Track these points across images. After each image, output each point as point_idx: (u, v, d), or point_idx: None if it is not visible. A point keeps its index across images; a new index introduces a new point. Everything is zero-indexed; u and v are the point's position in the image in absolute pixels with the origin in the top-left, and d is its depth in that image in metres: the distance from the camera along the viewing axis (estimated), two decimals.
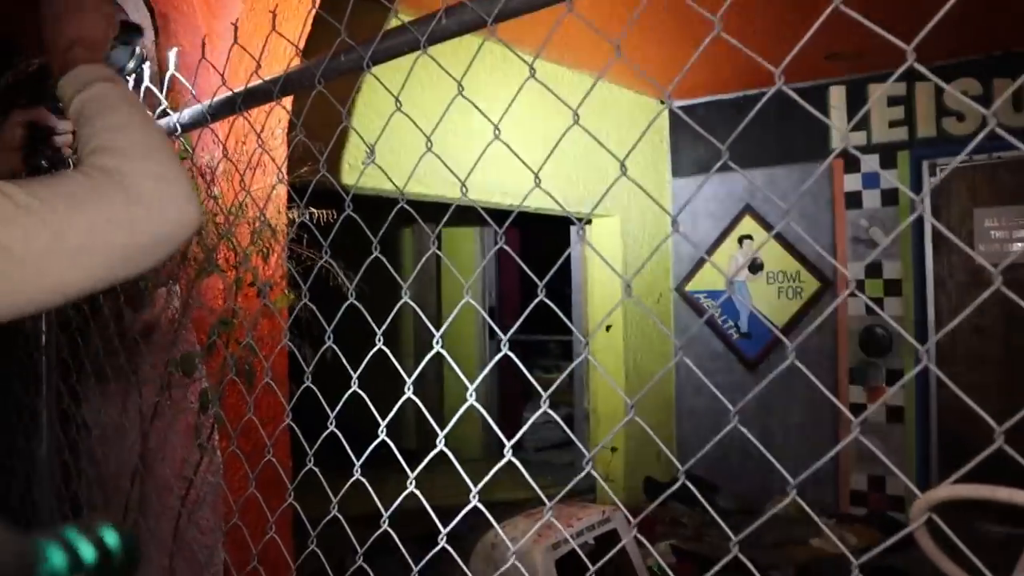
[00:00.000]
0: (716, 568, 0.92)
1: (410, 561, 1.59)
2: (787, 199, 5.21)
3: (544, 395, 1.23)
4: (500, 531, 1.57)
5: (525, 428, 1.45)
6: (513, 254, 1.32)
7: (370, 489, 1.53)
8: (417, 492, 1.44)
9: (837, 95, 5.22)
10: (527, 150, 1.26)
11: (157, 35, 2.72)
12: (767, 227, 5.61)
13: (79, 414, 2.58)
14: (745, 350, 5.82)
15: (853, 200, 5.33)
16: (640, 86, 5.06)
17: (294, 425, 1.81)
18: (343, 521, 1.60)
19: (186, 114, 1.69)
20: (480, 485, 1.33)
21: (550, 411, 1.28)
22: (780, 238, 5.59)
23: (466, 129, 3.43)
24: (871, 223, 5.33)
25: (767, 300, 5.77)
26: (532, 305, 1.23)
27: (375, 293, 1.64)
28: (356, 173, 1.64)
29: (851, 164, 5.26)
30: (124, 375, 2.52)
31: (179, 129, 1.72)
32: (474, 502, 1.34)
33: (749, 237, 5.72)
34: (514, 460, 1.21)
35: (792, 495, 0.86)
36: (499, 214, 4.51)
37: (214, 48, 2.31)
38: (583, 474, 1.26)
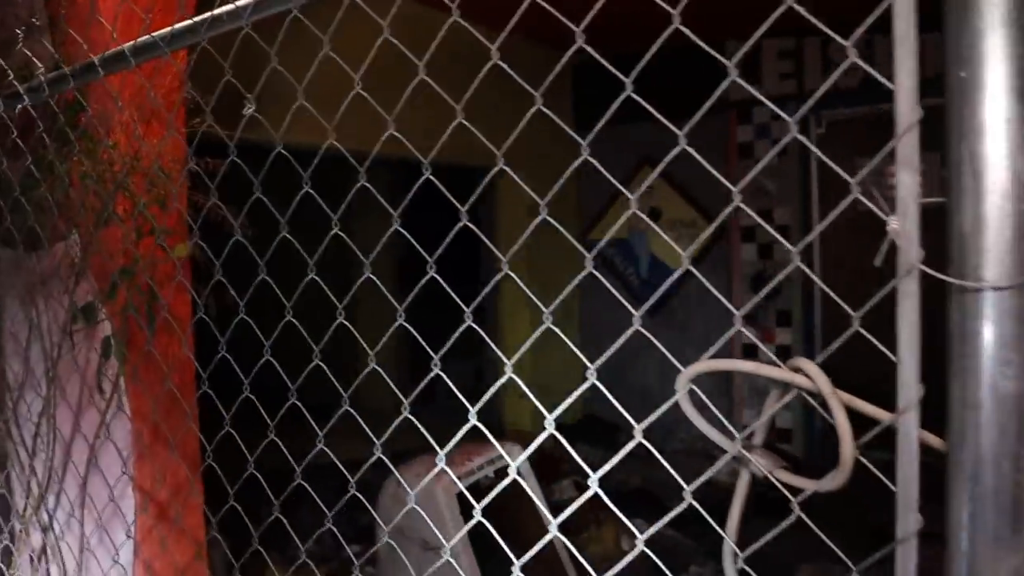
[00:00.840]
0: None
1: (324, 508, 1.66)
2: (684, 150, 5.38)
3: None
4: (397, 474, 1.66)
5: (423, 384, 1.53)
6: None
7: (280, 445, 1.59)
8: (326, 449, 1.51)
9: (733, 50, 5.39)
10: (432, 101, 1.32)
11: None
12: (666, 177, 5.79)
13: None
14: (644, 295, 6.03)
15: (746, 150, 5.56)
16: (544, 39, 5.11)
17: (198, 365, 1.83)
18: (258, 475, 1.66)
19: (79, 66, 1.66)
20: (384, 438, 1.41)
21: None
22: (676, 187, 5.79)
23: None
24: (762, 173, 5.57)
25: (667, 247, 5.97)
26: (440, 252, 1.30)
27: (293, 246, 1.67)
28: (257, 125, 1.63)
29: (744, 116, 5.47)
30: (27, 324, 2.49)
31: (71, 81, 1.69)
32: (377, 454, 1.42)
33: (648, 187, 5.90)
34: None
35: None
36: (412, 165, 4.50)
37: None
38: (469, 425, 1.35)
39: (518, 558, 1.24)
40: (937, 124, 0.67)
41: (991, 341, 0.62)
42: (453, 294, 1.41)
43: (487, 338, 1.33)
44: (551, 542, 3.69)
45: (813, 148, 0.86)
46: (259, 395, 1.65)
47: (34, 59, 2.15)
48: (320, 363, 1.52)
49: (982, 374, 0.62)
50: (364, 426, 1.48)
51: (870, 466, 0.73)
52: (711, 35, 1.04)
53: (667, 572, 1.04)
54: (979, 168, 0.61)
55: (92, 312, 2.29)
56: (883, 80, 0.72)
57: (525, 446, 1.93)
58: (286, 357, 1.63)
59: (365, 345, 1.50)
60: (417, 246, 1.45)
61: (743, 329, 0.86)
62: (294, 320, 1.53)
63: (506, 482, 1.61)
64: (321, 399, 1.63)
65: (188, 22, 1.37)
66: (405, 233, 1.40)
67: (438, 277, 1.30)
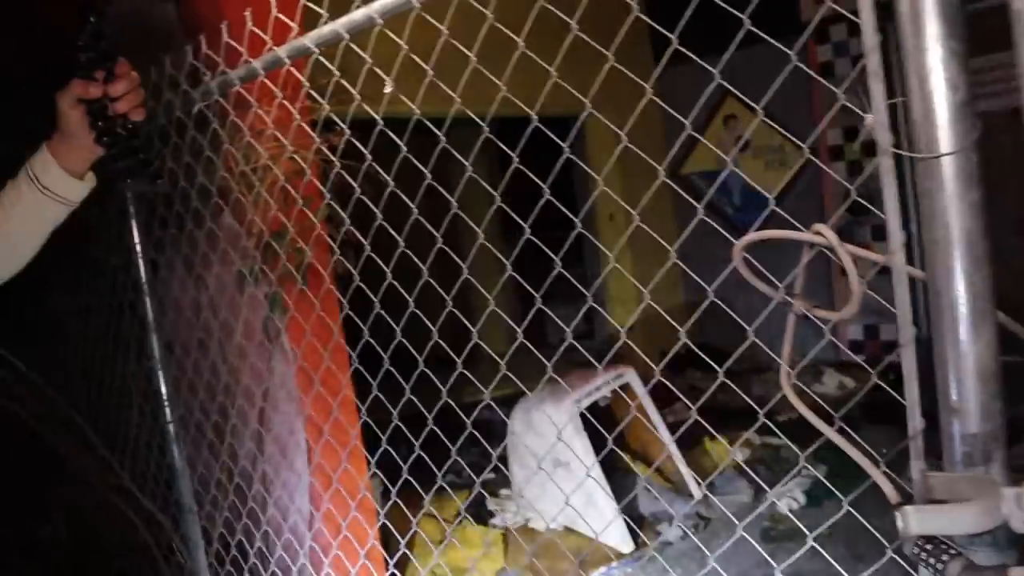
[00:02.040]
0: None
1: (448, 445, 2.00)
2: (765, 76, 5.50)
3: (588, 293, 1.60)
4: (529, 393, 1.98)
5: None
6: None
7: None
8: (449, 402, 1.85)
9: None
10: (500, 62, 1.57)
11: None
12: (748, 106, 5.90)
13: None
14: (741, 224, 6.19)
15: (827, 70, 5.61)
16: None
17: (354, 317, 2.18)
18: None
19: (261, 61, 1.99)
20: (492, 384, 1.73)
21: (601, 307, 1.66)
22: (762, 118, 5.90)
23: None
24: (848, 90, 5.61)
25: (756, 174, 6.11)
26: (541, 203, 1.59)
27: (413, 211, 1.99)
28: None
29: (821, 36, 5.52)
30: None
31: (237, 82, 2.06)
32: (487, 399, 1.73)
33: (733, 116, 6.03)
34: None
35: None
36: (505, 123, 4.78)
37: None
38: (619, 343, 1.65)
39: (636, 459, 1.51)
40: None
41: (947, 190, 0.88)
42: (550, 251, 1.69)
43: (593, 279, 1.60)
44: (668, 455, 4.01)
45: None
46: (387, 347, 2.00)
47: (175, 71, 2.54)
48: (454, 310, 1.84)
49: (940, 216, 0.89)
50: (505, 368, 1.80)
51: (877, 297, 1.00)
52: None
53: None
54: (924, 76, 0.87)
55: (255, 273, 2.71)
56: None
57: (637, 370, 2.21)
58: (400, 312, 1.97)
59: (484, 292, 1.80)
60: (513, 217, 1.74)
61: (741, 264, 1.11)
62: (429, 279, 1.83)
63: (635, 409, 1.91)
64: (437, 350, 1.95)
65: (332, 26, 1.70)
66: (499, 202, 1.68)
67: (534, 239, 1.58)
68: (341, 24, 1.63)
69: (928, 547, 0.81)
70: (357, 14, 1.58)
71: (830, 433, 1.00)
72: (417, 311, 1.90)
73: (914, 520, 0.81)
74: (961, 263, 0.90)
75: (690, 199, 1.56)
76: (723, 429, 4.62)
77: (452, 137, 1.76)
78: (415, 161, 1.82)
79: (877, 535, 1.24)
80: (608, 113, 1.83)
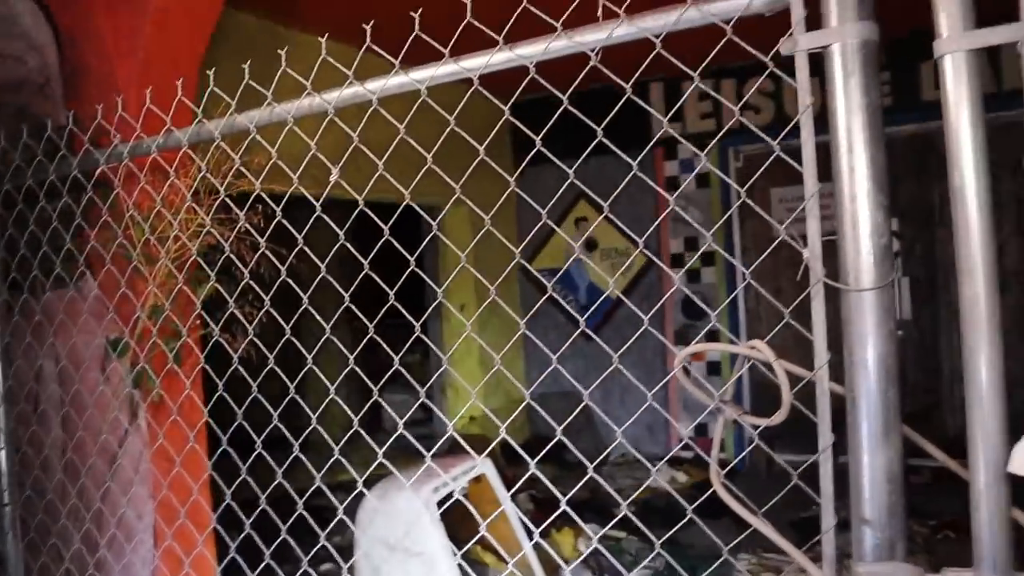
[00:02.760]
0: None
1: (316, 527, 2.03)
2: (615, 183, 5.89)
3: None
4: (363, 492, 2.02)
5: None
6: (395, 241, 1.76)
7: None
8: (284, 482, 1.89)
9: (656, 91, 5.95)
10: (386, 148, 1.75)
11: (61, 52, 2.91)
12: (599, 210, 6.28)
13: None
14: (585, 321, 6.49)
15: (671, 184, 6.10)
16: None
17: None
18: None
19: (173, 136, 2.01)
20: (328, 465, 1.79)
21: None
22: (610, 219, 6.28)
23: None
24: (687, 203, 6.11)
25: (601, 275, 6.46)
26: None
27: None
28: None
29: (670, 152, 6.02)
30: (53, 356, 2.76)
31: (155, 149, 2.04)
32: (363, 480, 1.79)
33: (584, 219, 6.39)
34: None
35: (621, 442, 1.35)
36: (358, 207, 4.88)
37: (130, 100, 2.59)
38: (447, 435, 1.74)
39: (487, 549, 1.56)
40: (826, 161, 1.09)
41: (868, 320, 1.04)
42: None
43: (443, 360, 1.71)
44: (519, 546, 4.02)
45: (732, 183, 1.28)
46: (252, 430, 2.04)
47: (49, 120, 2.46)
48: (296, 396, 1.91)
49: (860, 340, 1.04)
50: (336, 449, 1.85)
51: (801, 407, 1.15)
52: (632, 75, 1.40)
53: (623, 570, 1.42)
54: (856, 220, 1.04)
55: (123, 346, 2.59)
56: (793, 164, 1.15)
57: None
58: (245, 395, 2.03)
59: (326, 381, 1.89)
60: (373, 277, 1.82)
61: (691, 370, 1.26)
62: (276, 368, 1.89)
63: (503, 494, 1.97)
64: (273, 432, 2.01)
65: (242, 118, 1.75)
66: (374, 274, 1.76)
67: (372, 331, 1.67)
68: (248, 117, 1.71)
69: None
70: (266, 112, 1.66)
71: (756, 523, 1.12)
72: (296, 396, 1.95)
73: None
74: (877, 381, 1.05)
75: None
76: (564, 522, 4.76)
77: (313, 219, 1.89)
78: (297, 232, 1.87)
79: None
80: (467, 208, 1.99)
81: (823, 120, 1.08)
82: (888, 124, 1.05)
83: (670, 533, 1.52)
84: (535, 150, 1.47)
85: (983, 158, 0.98)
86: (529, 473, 1.72)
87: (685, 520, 1.41)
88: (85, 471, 2.81)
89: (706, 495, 1.44)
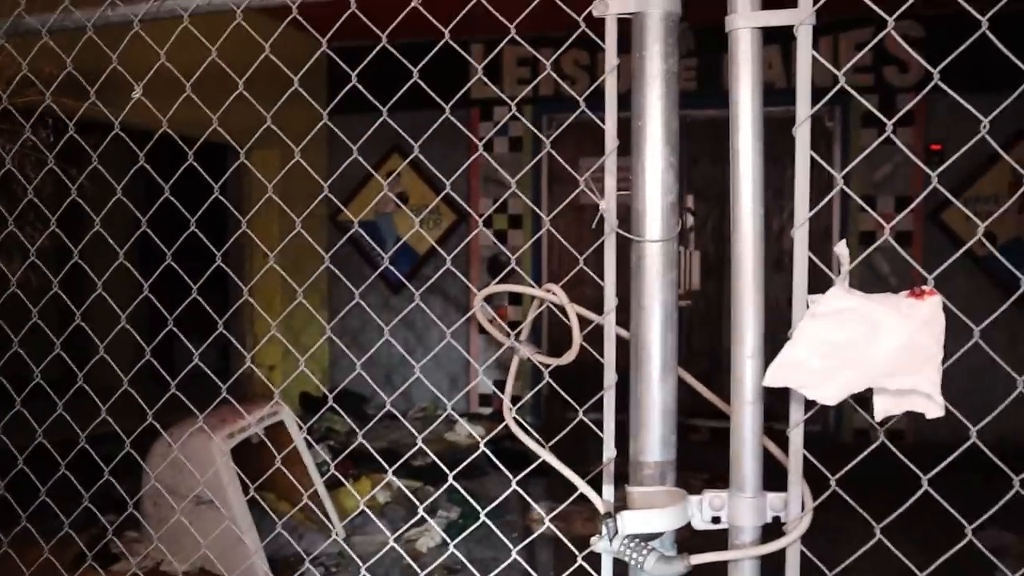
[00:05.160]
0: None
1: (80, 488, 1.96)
2: (431, 139, 5.91)
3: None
4: (165, 434, 1.99)
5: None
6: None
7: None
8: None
9: (477, 52, 6.00)
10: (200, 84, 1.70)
11: None
12: (411, 164, 6.28)
13: None
14: (390, 274, 6.49)
15: (486, 145, 6.19)
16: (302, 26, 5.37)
17: None
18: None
19: None
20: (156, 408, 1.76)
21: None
22: (422, 175, 6.30)
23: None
24: (499, 165, 6.23)
25: (411, 229, 6.48)
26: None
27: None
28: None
29: (486, 114, 6.10)
30: None
31: None
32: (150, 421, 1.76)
33: (397, 173, 6.36)
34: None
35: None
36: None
37: None
38: (235, 376, 1.74)
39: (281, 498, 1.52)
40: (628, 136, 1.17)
41: (653, 269, 1.14)
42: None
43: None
44: (316, 493, 4.04)
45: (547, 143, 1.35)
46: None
47: None
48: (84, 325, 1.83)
49: (647, 288, 1.14)
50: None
51: (590, 348, 1.24)
52: (457, 34, 1.43)
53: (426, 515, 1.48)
54: (645, 176, 1.13)
55: None
56: (596, 120, 1.22)
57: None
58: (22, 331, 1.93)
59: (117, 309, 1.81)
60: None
61: (489, 309, 1.33)
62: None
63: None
64: (55, 374, 1.93)
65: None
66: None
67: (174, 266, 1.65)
68: (40, 19, 1.60)
69: (631, 545, 1.03)
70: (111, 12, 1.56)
71: (544, 453, 1.20)
72: (84, 325, 1.85)
73: (630, 521, 1.03)
74: (659, 326, 1.16)
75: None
76: (363, 471, 4.79)
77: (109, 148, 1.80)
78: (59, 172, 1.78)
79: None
80: (277, 151, 1.99)
81: (628, 99, 1.15)
82: (690, 107, 1.15)
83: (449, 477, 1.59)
84: (349, 86, 1.47)
85: (759, 129, 1.09)
86: (312, 421, 1.73)
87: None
88: None
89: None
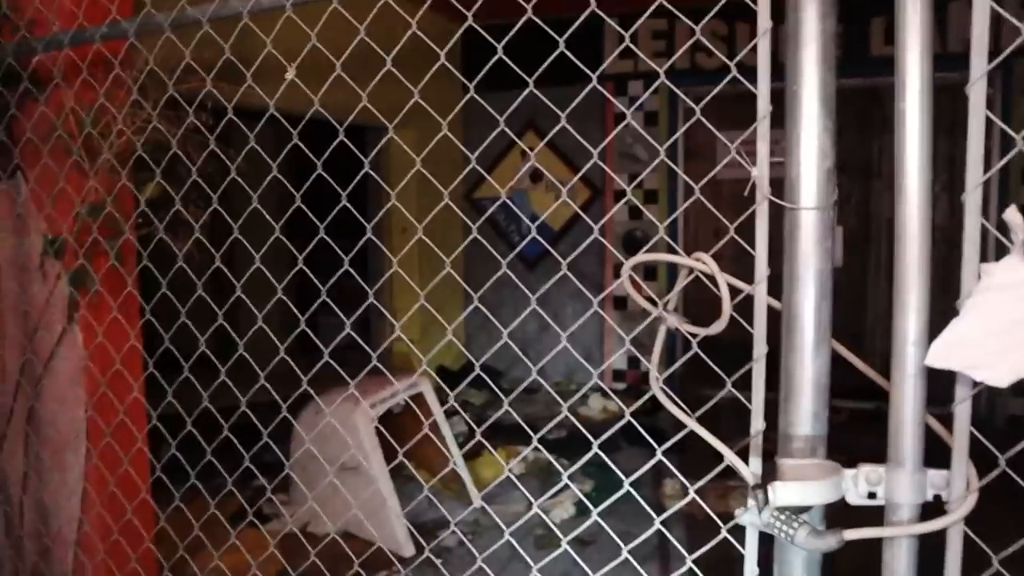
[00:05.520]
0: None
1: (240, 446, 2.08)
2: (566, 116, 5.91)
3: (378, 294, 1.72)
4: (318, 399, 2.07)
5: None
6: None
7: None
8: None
9: (611, 31, 5.95)
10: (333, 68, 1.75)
11: None
12: (547, 142, 6.30)
13: None
14: (526, 251, 6.55)
15: (621, 120, 6.13)
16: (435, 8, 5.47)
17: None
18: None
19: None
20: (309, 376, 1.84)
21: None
22: (557, 151, 6.30)
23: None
24: (635, 140, 6.16)
25: (545, 206, 6.50)
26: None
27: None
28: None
29: (620, 88, 6.03)
30: None
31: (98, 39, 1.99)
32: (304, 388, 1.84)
33: (531, 150, 6.40)
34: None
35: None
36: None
37: None
38: (387, 343, 1.77)
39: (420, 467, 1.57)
40: (779, 106, 1.14)
41: (808, 238, 1.11)
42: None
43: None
44: (453, 463, 4.16)
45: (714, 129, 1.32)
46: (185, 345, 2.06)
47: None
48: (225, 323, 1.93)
49: (801, 257, 1.11)
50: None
51: (739, 318, 1.22)
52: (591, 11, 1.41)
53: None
54: (800, 141, 1.09)
55: (60, 244, 2.55)
56: (747, 84, 1.19)
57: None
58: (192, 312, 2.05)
59: (275, 281, 1.91)
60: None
61: (638, 279, 1.31)
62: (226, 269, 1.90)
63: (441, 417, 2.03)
64: (209, 345, 2.04)
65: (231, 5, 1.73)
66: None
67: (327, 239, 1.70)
68: (200, 10, 1.69)
69: (782, 518, 1.01)
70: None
71: (691, 423, 1.19)
72: (244, 297, 1.96)
73: (781, 493, 1.01)
74: (813, 295, 1.12)
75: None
76: (500, 443, 4.89)
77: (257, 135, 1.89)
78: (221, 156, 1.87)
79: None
80: (413, 131, 2.03)
81: (775, 67, 1.12)
82: (837, 76, 1.10)
83: (584, 458, 1.59)
84: (494, 59, 1.49)
85: (928, 92, 1.03)
86: (451, 395, 1.78)
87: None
88: (19, 370, 2.78)
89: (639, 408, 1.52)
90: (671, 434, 1.38)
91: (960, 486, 1.04)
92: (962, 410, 1.04)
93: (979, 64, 0.96)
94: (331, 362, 1.75)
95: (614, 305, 6.21)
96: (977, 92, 0.97)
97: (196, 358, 2.07)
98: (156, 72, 2.15)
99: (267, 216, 2.02)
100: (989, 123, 0.95)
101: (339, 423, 3.78)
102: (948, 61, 0.96)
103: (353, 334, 1.79)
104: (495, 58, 1.52)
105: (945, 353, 0.97)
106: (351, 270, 1.74)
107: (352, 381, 1.87)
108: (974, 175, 0.99)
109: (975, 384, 1.02)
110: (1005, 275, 0.94)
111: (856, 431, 1.33)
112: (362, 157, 1.72)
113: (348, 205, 1.72)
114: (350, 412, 3.74)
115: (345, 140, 1.68)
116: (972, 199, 1.00)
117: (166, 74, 2.14)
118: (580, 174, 6.18)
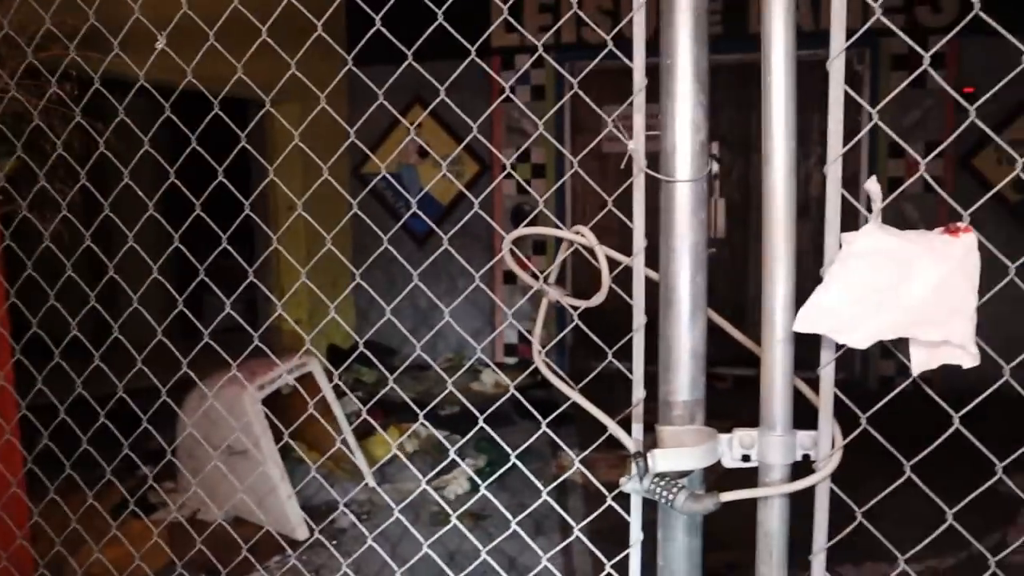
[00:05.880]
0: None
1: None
2: (451, 90, 5.85)
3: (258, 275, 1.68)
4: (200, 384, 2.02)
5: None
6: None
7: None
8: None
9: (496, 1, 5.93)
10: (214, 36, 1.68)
11: None
12: (434, 116, 6.24)
13: None
14: (415, 227, 6.49)
15: (507, 96, 6.13)
16: None
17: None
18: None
19: None
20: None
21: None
22: (445, 126, 6.26)
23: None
24: (521, 115, 6.17)
25: (435, 182, 6.46)
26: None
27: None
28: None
29: (507, 63, 6.03)
30: None
31: None
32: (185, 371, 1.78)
33: (419, 125, 6.33)
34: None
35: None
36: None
37: None
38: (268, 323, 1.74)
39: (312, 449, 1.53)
40: (654, 82, 1.16)
41: (683, 210, 1.13)
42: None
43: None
44: (344, 442, 4.10)
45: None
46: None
47: None
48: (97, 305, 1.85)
49: (677, 229, 1.13)
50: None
51: (618, 290, 1.24)
52: None
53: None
54: (675, 115, 1.11)
55: None
56: (623, 59, 1.21)
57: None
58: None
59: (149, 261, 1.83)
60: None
61: (518, 253, 1.32)
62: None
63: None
64: (83, 329, 1.96)
65: None
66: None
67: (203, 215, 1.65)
68: None
69: (661, 484, 1.04)
70: None
71: (574, 394, 1.21)
72: (117, 278, 1.87)
73: (661, 460, 1.04)
74: (688, 267, 1.15)
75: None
76: (391, 421, 4.86)
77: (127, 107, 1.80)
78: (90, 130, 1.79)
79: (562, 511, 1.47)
80: (297, 105, 1.97)
81: (653, 46, 1.13)
82: (716, 52, 1.12)
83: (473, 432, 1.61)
84: (373, 30, 1.46)
85: (791, 67, 1.06)
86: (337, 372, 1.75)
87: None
88: None
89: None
90: (566, 407, 1.40)
91: (826, 446, 1.10)
92: (827, 373, 1.09)
93: (838, 41, 1.00)
94: (212, 343, 1.69)
95: (504, 279, 6.24)
96: (836, 68, 1.01)
97: (79, 344, 1.96)
98: (13, 38, 2.02)
99: (140, 194, 1.92)
100: (864, 96, 0.98)
101: (226, 406, 3.68)
102: (822, 38, 0.99)
103: (234, 314, 1.73)
104: (373, 30, 1.48)
105: (811, 318, 1.01)
106: (230, 248, 1.68)
107: (234, 363, 1.81)
108: (834, 148, 1.03)
109: (839, 347, 1.07)
110: (864, 242, 0.99)
111: (740, 397, 1.39)
112: (239, 132, 1.66)
113: (225, 181, 1.65)
114: (237, 395, 3.63)
115: (220, 113, 1.61)
116: (833, 170, 1.04)
117: (24, 40, 2.00)
118: (461, 147, 6.16)
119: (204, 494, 3.80)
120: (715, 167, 6.02)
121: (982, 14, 1.05)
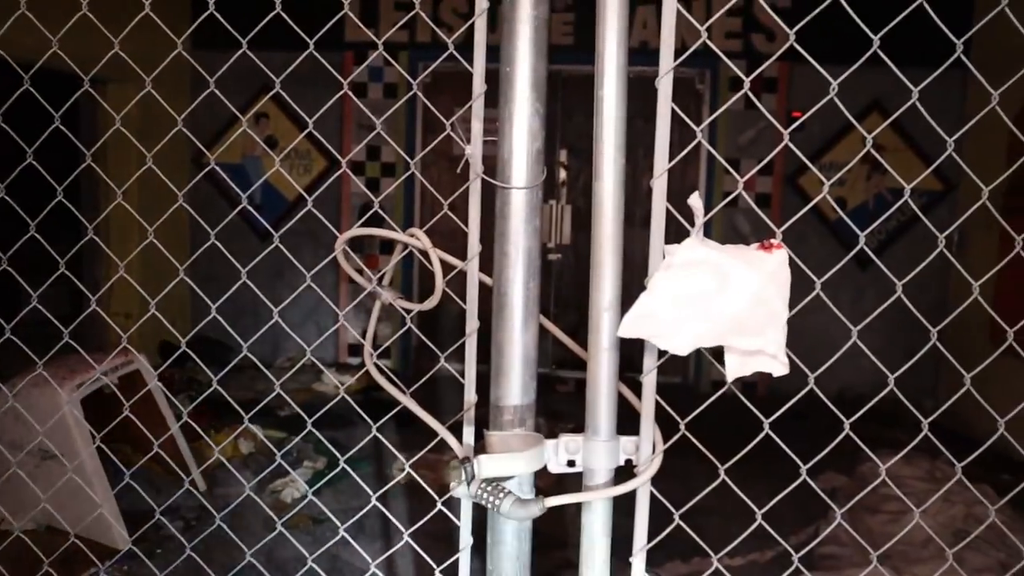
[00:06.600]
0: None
1: None
2: (304, 83, 5.70)
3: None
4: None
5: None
6: None
7: None
8: None
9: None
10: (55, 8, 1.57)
11: None
12: (281, 107, 6.06)
13: None
14: (257, 221, 6.27)
15: (360, 90, 6.03)
16: None
17: None
18: None
19: None
20: None
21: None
22: (292, 118, 6.09)
23: None
24: (373, 111, 6.09)
25: (280, 175, 6.27)
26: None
27: None
28: None
29: (360, 57, 5.93)
30: None
31: None
32: None
33: (265, 115, 6.13)
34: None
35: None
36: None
37: None
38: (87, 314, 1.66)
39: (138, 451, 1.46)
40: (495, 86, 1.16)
41: (517, 216, 1.14)
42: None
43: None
44: (176, 443, 3.90)
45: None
46: None
47: None
48: None
49: (511, 235, 1.14)
50: None
51: (452, 294, 1.23)
52: None
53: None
54: (512, 123, 1.12)
55: None
56: (464, 63, 1.21)
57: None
58: None
59: None
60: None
61: (352, 254, 1.30)
62: None
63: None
64: None
65: None
66: None
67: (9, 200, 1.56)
68: None
69: (488, 489, 1.04)
70: None
71: (404, 399, 1.20)
72: None
73: (486, 466, 1.04)
74: (522, 273, 1.16)
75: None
76: (226, 422, 4.67)
77: None
78: None
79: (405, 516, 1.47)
80: (134, 88, 1.88)
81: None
82: (566, 63, 1.14)
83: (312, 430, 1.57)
84: (206, 14, 1.39)
85: (623, 78, 1.09)
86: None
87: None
88: None
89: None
90: (408, 409, 1.38)
91: (647, 450, 1.13)
92: (649, 380, 1.13)
93: (667, 60, 1.04)
94: (13, 338, 1.56)
95: (349, 279, 6.15)
96: (664, 85, 1.05)
97: None
98: None
99: None
100: (703, 115, 1.02)
101: (39, 406, 3.43)
102: (652, 55, 1.02)
103: (40, 307, 1.61)
104: (207, 13, 1.42)
105: (634, 325, 1.04)
106: (37, 236, 1.56)
107: (40, 361, 1.68)
108: (660, 163, 1.06)
109: (662, 354, 1.11)
110: (685, 254, 1.03)
111: (582, 399, 1.43)
112: (52, 111, 1.55)
113: (35, 163, 1.53)
114: (51, 394, 3.39)
115: (31, 89, 1.49)
116: (658, 184, 1.08)
117: None
118: (302, 136, 6.02)
119: (12, 503, 3.53)
120: (562, 174, 6.14)
121: (796, 46, 1.12)
